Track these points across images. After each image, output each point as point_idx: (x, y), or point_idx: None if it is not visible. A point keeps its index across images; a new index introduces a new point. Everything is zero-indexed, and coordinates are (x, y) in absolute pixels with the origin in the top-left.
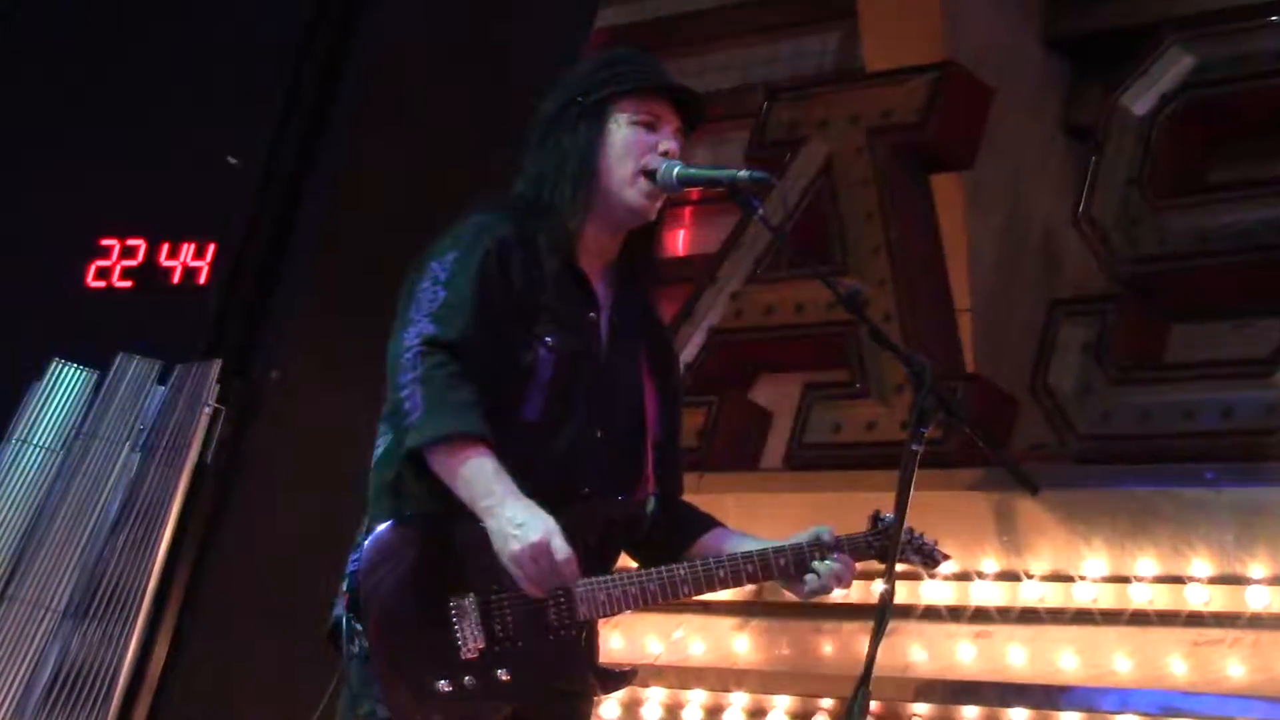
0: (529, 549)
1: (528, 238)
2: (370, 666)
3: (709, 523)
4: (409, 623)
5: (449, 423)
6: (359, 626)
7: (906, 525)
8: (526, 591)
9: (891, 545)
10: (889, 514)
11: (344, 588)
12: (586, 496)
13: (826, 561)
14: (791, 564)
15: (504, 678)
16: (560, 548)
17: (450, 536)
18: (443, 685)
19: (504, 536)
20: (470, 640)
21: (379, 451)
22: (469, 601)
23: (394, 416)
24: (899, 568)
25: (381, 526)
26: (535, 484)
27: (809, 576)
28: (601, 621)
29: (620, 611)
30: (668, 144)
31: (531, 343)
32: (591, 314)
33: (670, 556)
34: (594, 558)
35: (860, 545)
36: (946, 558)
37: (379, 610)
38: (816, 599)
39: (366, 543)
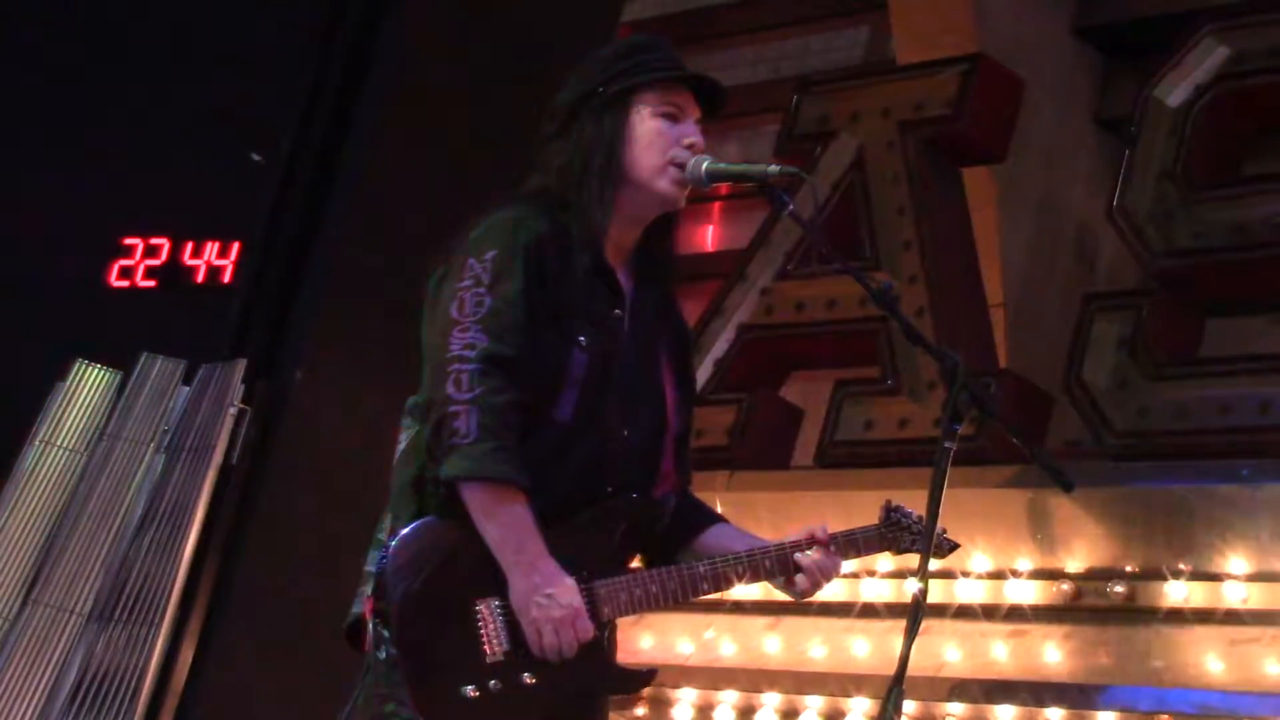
0: (552, 622)
1: (560, 232)
2: (396, 672)
3: (711, 517)
4: (435, 628)
5: (498, 466)
6: (385, 633)
7: (913, 514)
8: (532, 649)
9: (925, 543)
10: (900, 504)
11: (367, 590)
12: (610, 495)
13: (808, 553)
14: (791, 563)
15: (529, 681)
16: (583, 629)
17: (473, 538)
18: (469, 691)
19: (528, 598)
20: (496, 644)
21: (402, 447)
22: (494, 605)
23: (437, 430)
24: (931, 565)
25: (405, 530)
26: (561, 483)
27: (799, 577)
28: (629, 621)
29: (642, 611)
30: (693, 137)
31: (566, 342)
32: (617, 310)
33: (671, 551)
34: (615, 556)
35: (874, 537)
36: (956, 545)
37: (405, 616)
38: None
39: (391, 545)
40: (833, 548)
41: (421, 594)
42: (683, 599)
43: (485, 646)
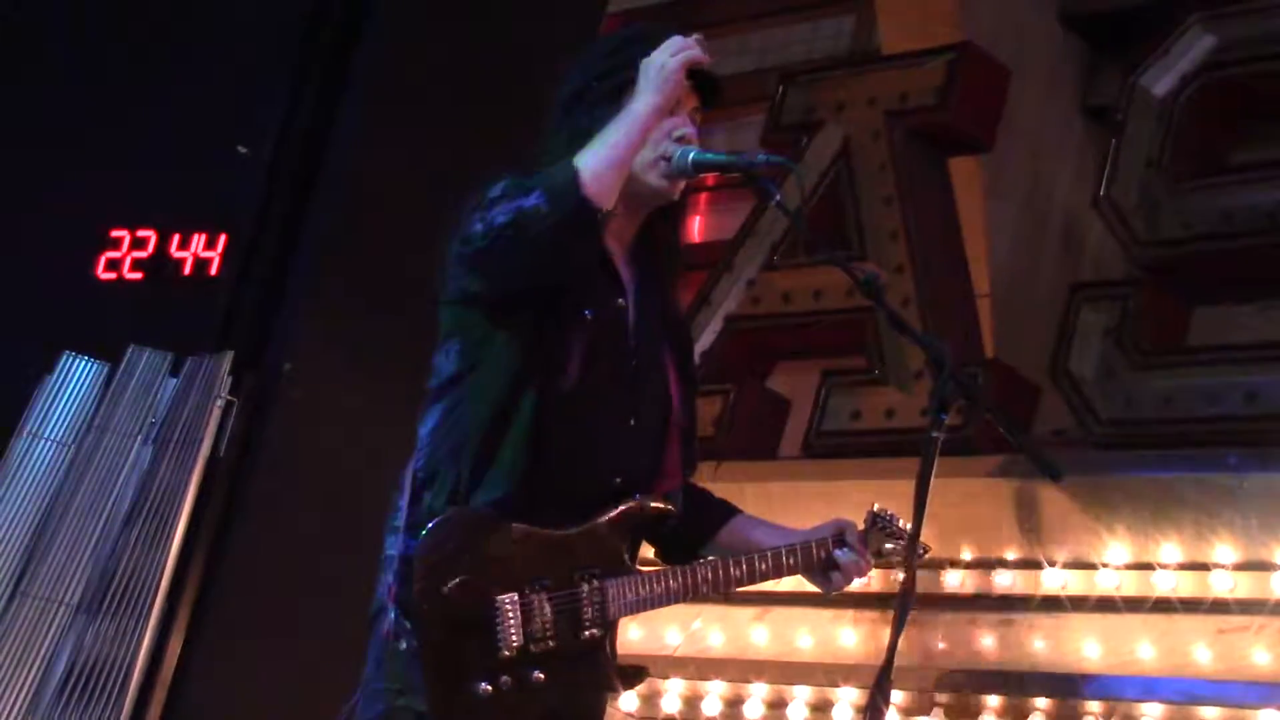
0: (664, 68)
1: None
2: (416, 664)
3: (726, 512)
4: (458, 622)
5: (562, 177)
6: (408, 624)
7: (896, 520)
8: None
9: (912, 533)
10: (885, 510)
11: (388, 578)
12: (619, 489)
13: (844, 550)
14: (800, 562)
15: (539, 677)
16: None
17: (495, 531)
18: (483, 687)
19: (649, 79)
20: (510, 640)
21: (432, 423)
22: (511, 599)
23: (488, 249)
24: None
25: (438, 518)
26: (568, 464)
27: (834, 574)
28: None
29: (647, 610)
30: (684, 129)
31: (570, 313)
32: (620, 300)
33: (689, 549)
34: (625, 556)
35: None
36: (926, 550)
37: (432, 609)
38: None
39: (421, 540)
40: (823, 553)
41: (450, 587)
42: (687, 598)
43: (500, 642)
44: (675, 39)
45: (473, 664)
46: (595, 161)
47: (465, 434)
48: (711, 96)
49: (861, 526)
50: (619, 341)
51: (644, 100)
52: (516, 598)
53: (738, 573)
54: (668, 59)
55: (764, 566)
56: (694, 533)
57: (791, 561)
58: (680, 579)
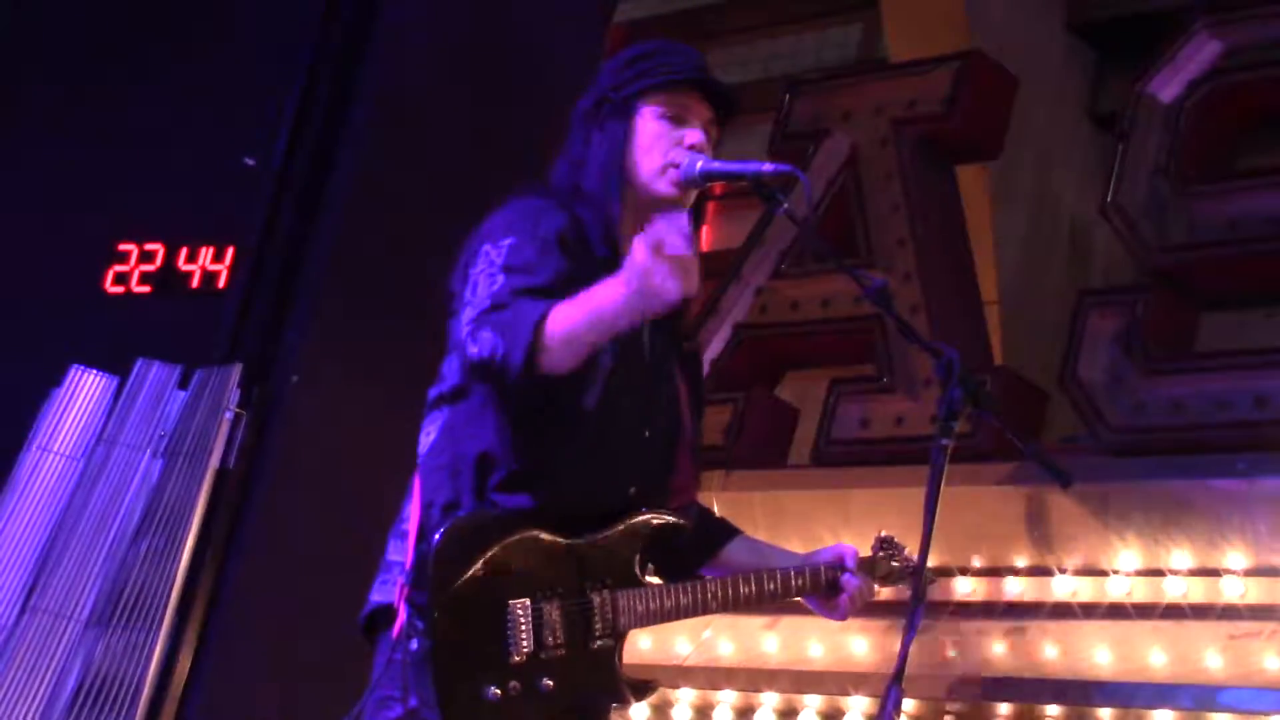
0: (637, 265)
1: (578, 225)
2: (426, 666)
3: (728, 531)
4: (470, 625)
5: (528, 323)
6: (420, 624)
7: (902, 549)
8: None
9: (923, 542)
10: (891, 537)
11: (392, 578)
12: (633, 499)
13: (849, 575)
14: (809, 583)
15: (548, 684)
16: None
17: (510, 536)
18: (492, 692)
19: (641, 287)
20: (521, 645)
21: (432, 439)
22: (524, 605)
23: (477, 371)
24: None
25: (453, 520)
26: (587, 479)
27: (840, 599)
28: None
29: (657, 623)
30: (694, 138)
31: None
32: None
33: (689, 567)
34: (636, 569)
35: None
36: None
37: (446, 610)
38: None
39: (438, 535)
40: (830, 576)
41: (465, 589)
42: (696, 614)
43: (511, 648)
44: (658, 226)
45: (482, 667)
46: (559, 328)
47: (483, 442)
48: (726, 106)
49: (868, 553)
50: (637, 350)
51: (617, 291)
52: (529, 603)
53: (747, 590)
54: (646, 256)
55: (772, 586)
56: (697, 551)
57: (800, 583)
58: (690, 595)
